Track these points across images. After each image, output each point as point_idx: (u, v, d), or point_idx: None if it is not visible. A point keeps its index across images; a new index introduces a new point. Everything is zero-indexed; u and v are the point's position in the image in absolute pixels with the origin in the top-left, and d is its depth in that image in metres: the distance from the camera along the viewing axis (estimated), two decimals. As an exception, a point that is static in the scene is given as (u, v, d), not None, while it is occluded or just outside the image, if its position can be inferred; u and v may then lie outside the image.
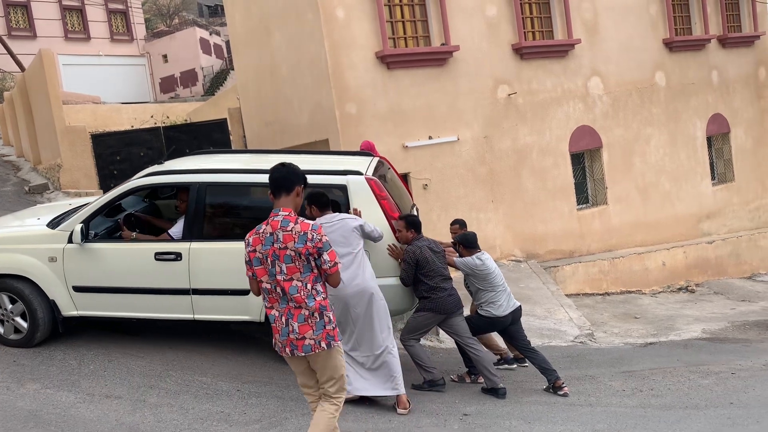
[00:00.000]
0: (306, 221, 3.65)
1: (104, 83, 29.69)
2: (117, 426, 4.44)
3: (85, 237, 5.67)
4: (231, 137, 14.97)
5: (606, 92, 13.44)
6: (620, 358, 7.78)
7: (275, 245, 3.57)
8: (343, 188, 5.62)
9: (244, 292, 5.60)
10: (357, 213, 5.50)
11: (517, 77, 12.53)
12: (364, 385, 5.09)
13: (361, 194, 5.57)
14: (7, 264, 5.76)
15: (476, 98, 12.16)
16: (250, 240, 3.67)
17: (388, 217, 5.66)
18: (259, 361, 5.94)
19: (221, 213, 6.03)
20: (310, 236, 3.58)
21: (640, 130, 13.91)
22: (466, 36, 11.93)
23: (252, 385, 5.35)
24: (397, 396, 5.10)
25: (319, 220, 5.19)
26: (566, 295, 11.81)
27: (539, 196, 12.85)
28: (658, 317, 11.03)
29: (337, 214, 5.28)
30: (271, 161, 6.62)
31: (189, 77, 32.61)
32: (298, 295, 3.60)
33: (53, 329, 5.83)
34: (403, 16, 11.69)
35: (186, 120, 18.67)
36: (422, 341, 7.40)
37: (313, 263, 3.63)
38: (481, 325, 6.09)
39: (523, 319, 9.35)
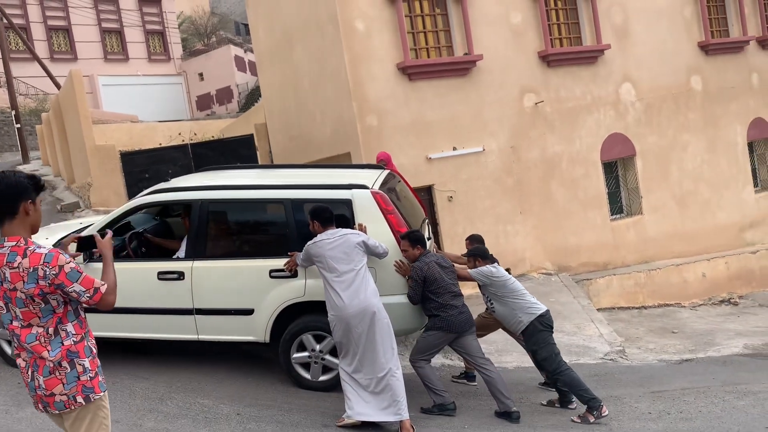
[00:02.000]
0: (38, 251, 2.82)
1: (143, 102, 30.31)
2: (108, 452, 4.31)
3: (89, 257, 5.61)
4: (258, 152, 15.00)
5: (638, 98, 12.99)
6: (651, 376, 7.37)
7: (4, 285, 2.83)
8: (348, 203, 5.46)
9: (248, 312, 5.49)
10: (362, 228, 5.33)
11: (545, 85, 12.20)
12: (366, 410, 4.87)
13: (366, 209, 5.41)
14: None
15: (502, 108, 11.88)
16: None
17: (395, 233, 5.47)
18: (264, 382, 5.79)
19: (224, 230, 5.94)
20: (41, 273, 2.79)
21: (676, 136, 13.39)
22: (490, 45, 11.68)
23: (253, 408, 5.18)
24: (401, 422, 4.86)
25: (320, 236, 5.04)
26: (600, 309, 11.39)
27: (570, 206, 12.46)
28: (697, 332, 10.52)
29: (340, 229, 5.11)
30: (279, 176, 6.56)
31: (224, 94, 33.04)
32: (37, 343, 2.85)
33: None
34: (425, 27, 11.52)
35: (214, 136, 18.83)
36: (443, 360, 7.17)
37: (55, 303, 2.87)
38: (538, 335, 5.66)
39: (550, 336, 9.05)
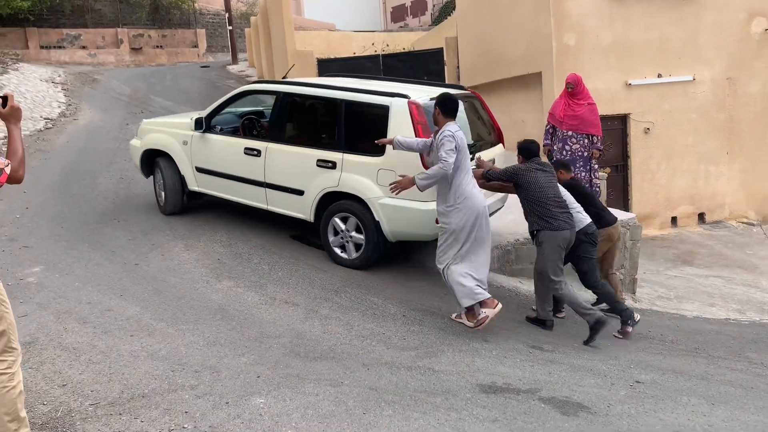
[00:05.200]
0: None
1: (341, 11, 31.11)
2: (287, 330, 4.74)
3: (201, 127, 6.97)
4: (446, 67, 14.88)
5: None
6: None
7: None
8: (385, 109, 5.86)
9: (300, 192, 6.35)
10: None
11: (779, 9, 10.62)
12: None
13: (399, 116, 5.76)
14: (157, 142, 7.49)
15: (722, 33, 10.58)
16: None
17: None
18: (433, 289, 5.96)
19: (292, 120, 6.74)
20: None
21: None
22: (719, -42, 10.31)
23: (418, 312, 5.37)
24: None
25: (447, 126, 5.00)
26: (806, 269, 10.15)
27: (789, 151, 11.01)
28: None
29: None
30: (370, 86, 6.69)
31: (419, 6, 32.76)
32: None
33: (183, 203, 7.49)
34: (642, -64, 10.40)
35: (405, 48, 18.92)
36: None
37: None
38: (581, 246, 5.43)
39: (741, 290, 8.30)
